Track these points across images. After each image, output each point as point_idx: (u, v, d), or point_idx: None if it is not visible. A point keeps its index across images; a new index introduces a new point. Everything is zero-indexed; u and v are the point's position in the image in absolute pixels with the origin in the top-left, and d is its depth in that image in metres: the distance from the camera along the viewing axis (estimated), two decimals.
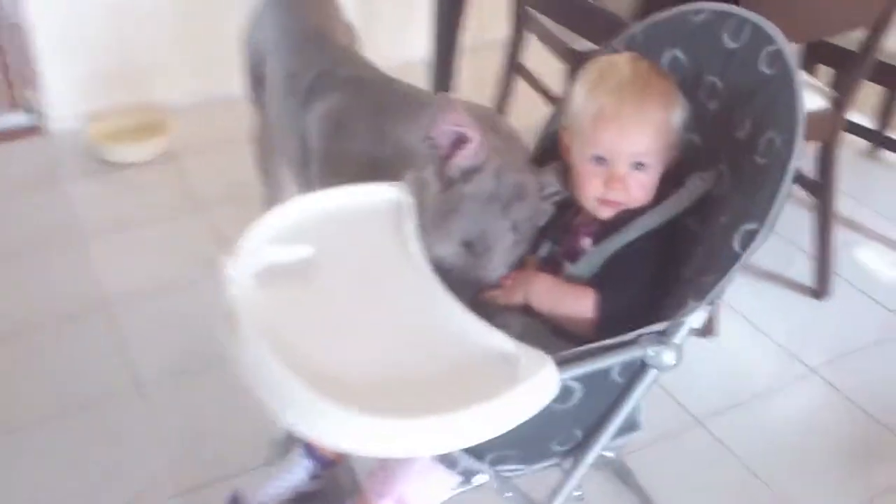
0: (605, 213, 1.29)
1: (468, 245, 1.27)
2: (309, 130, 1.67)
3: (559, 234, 1.34)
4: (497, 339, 1.11)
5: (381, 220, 1.33)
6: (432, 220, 1.29)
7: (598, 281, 1.25)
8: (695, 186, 1.26)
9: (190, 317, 2.23)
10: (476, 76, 3.09)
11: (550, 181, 1.33)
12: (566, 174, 1.33)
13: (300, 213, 1.32)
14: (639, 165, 1.27)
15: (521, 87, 2.89)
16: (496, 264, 1.29)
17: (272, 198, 2.28)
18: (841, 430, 2.00)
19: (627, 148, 1.26)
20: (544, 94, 2.74)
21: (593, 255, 1.27)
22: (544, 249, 1.35)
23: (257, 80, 1.99)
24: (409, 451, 1.04)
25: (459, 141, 1.26)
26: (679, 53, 1.34)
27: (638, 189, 1.27)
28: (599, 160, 1.28)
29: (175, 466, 1.84)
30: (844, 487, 1.86)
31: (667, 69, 1.34)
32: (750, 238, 1.13)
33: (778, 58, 1.20)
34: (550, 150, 1.40)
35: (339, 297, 1.20)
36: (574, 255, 1.30)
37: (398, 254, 1.27)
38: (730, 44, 1.27)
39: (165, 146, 2.93)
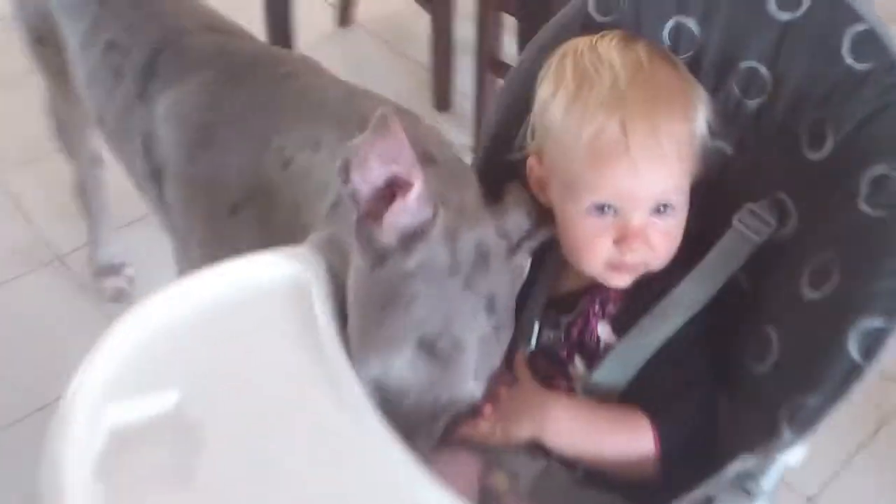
0: (620, 282, 0.88)
1: (428, 347, 0.83)
2: (156, 133, 1.16)
3: (554, 306, 0.92)
4: None
5: (282, 322, 0.86)
6: (364, 320, 0.84)
7: (641, 394, 0.85)
8: (752, 229, 0.86)
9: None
10: None
11: (517, 222, 0.89)
12: (540, 211, 0.90)
13: (154, 326, 0.85)
14: (662, 209, 0.86)
15: None
16: (474, 368, 0.84)
17: (84, 180, 1.74)
18: None
19: (645, 191, 0.84)
20: None
21: (623, 353, 0.85)
22: (533, 334, 0.92)
23: (38, 38, 1.42)
24: None
25: (394, 186, 0.81)
26: (689, 22, 0.91)
27: (664, 241, 0.86)
28: (604, 209, 0.86)
29: None
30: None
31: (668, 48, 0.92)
32: (875, 341, 0.74)
33: (872, 44, 0.79)
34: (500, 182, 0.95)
35: (231, 490, 0.76)
36: (587, 348, 0.89)
37: (316, 384, 0.82)
38: (781, 13, 0.85)
39: None
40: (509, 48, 1.98)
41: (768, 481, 0.78)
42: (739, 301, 0.88)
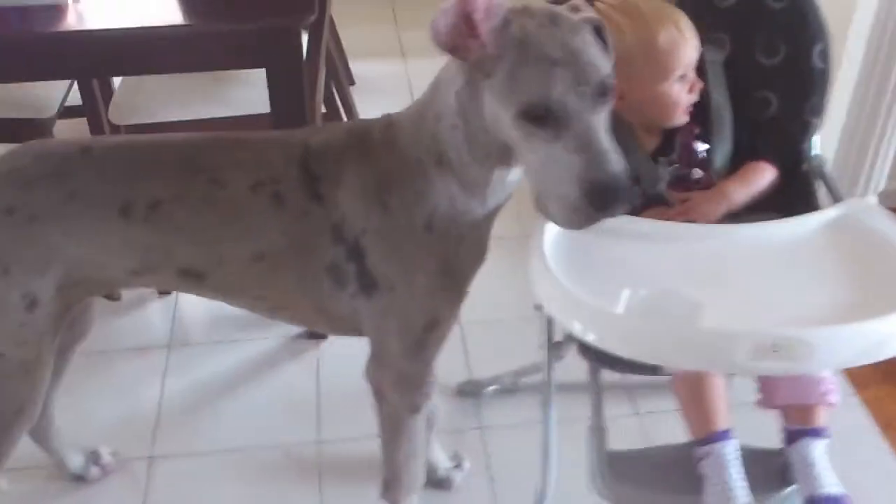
0: (685, 117, 1.48)
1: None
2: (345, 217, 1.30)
3: (656, 157, 1.49)
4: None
5: None
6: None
7: (743, 155, 1.50)
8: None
9: None
10: None
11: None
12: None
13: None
14: None
15: None
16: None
17: None
18: None
19: (694, 55, 1.45)
20: None
21: (721, 138, 1.50)
22: (664, 178, 1.48)
23: None
24: None
25: (467, 13, 1.10)
26: None
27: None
28: (681, 78, 1.44)
29: None
30: None
31: None
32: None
33: None
34: None
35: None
36: (695, 162, 1.48)
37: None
38: None
39: None
40: None
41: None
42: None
